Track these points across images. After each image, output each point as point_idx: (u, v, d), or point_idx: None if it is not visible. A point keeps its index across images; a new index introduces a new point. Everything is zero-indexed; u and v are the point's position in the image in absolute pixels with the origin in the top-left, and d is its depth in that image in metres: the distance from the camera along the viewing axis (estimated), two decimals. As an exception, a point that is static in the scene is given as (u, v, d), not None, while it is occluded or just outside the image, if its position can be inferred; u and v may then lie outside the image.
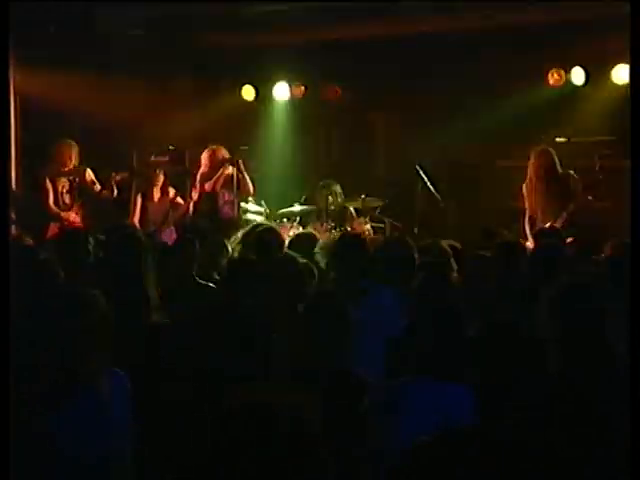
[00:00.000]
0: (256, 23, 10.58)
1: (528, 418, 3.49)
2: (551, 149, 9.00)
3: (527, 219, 8.93)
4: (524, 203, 8.99)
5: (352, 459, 3.60)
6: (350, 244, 5.74)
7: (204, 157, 10.12)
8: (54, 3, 9.72)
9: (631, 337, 3.70)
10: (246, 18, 10.51)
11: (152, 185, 9.94)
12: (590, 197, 9.45)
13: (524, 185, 9.01)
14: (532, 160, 8.97)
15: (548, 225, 8.55)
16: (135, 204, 9.83)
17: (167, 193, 10.02)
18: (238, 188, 10.00)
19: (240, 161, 10.07)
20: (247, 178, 10.12)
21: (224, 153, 10.13)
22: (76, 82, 10.26)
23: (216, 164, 10.05)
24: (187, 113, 11.49)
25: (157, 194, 9.98)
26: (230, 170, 10.00)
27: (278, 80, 11.75)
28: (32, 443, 3.33)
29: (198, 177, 10.12)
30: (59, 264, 5.31)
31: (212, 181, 10.01)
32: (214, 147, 10.16)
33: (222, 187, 10.06)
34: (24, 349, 3.46)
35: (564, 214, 8.68)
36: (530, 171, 8.97)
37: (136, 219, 9.72)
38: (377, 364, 4.67)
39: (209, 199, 10.10)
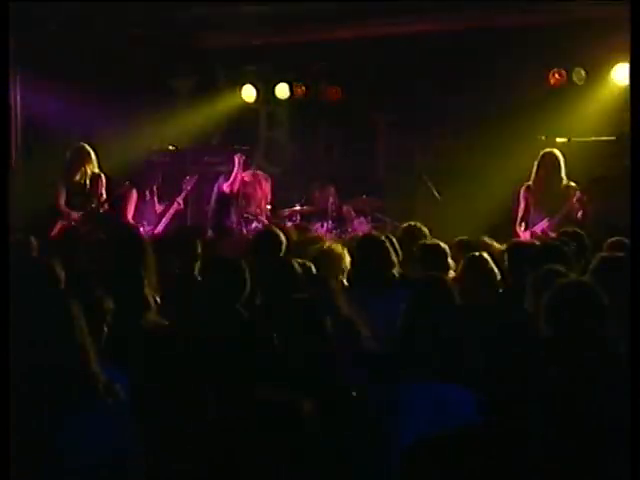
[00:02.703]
0: (256, 23, 10.58)
1: (529, 418, 3.49)
2: (557, 152, 8.97)
3: (519, 219, 8.91)
4: (520, 202, 8.98)
5: (354, 459, 3.60)
6: (371, 246, 5.81)
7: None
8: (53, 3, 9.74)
9: (631, 337, 3.70)
10: (246, 18, 10.51)
11: (151, 185, 9.93)
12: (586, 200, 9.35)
13: (525, 186, 9.01)
14: (537, 160, 8.99)
15: (539, 227, 8.59)
16: (133, 205, 9.82)
17: (166, 193, 10.02)
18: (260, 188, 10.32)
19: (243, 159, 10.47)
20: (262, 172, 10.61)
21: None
22: (75, 83, 10.26)
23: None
24: (187, 113, 11.49)
25: (156, 194, 9.97)
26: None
27: (278, 80, 11.74)
28: (35, 446, 3.33)
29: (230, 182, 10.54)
30: (60, 263, 5.30)
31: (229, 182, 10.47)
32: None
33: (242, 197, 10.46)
34: (24, 352, 3.46)
35: (555, 218, 8.65)
36: (533, 170, 8.99)
37: (134, 220, 9.71)
38: (377, 364, 4.67)
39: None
